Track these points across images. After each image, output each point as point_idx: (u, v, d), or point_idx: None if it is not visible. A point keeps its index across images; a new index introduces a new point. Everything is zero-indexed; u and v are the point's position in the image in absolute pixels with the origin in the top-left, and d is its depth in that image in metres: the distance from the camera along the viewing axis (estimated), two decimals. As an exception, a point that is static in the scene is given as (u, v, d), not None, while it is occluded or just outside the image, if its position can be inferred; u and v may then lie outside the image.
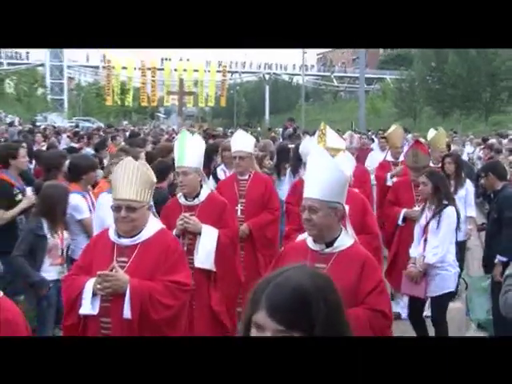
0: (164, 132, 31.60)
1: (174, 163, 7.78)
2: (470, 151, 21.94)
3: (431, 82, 60.34)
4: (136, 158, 7.59)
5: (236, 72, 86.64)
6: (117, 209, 4.34)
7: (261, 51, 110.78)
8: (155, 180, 4.57)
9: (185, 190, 5.92)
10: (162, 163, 7.84)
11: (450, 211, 6.90)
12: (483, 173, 8.49)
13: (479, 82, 55.00)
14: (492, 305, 7.30)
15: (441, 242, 6.85)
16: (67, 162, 7.36)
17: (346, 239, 3.99)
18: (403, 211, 8.12)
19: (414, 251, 7.12)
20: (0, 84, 73.37)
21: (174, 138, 19.99)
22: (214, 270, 5.85)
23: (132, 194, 4.30)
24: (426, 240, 6.99)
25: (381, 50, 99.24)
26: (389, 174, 10.51)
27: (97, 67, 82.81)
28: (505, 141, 20.24)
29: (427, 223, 7.00)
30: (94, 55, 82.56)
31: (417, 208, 7.84)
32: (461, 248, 7.82)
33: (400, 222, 8.10)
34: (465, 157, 16.93)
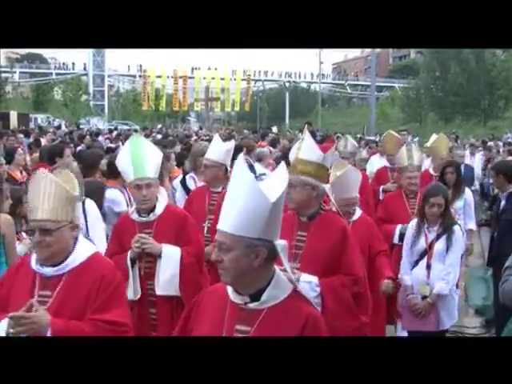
0: (193, 133, 31.66)
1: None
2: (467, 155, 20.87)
3: (435, 90, 59.81)
4: (168, 158, 7.64)
5: (259, 80, 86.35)
6: (32, 232, 3.27)
7: (282, 61, 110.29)
8: (76, 194, 3.41)
9: (147, 205, 4.67)
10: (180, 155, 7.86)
11: (458, 230, 5.59)
12: (495, 172, 7.58)
13: (478, 91, 54.63)
14: (494, 295, 6.97)
15: (453, 268, 5.51)
16: (103, 161, 7.40)
17: (279, 290, 2.59)
18: (398, 227, 6.46)
19: (407, 277, 5.61)
20: (49, 92, 74.13)
21: (201, 138, 20.02)
22: (179, 295, 4.67)
23: (45, 213, 3.17)
24: (428, 265, 5.51)
25: (390, 61, 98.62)
26: (381, 188, 8.87)
27: (134, 76, 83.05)
28: (500, 143, 20.79)
29: (429, 245, 5.54)
30: (132, 65, 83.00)
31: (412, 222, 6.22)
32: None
33: (396, 240, 6.42)
34: (467, 161, 15.35)
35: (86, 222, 5.30)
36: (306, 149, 4.19)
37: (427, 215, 5.59)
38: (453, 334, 6.29)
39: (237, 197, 2.48)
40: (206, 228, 5.90)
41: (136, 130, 29.01)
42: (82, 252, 3.35)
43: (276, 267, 2.60)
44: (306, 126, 23.06)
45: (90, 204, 5.48)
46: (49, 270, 3.27)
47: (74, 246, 3.33)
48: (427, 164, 9.54)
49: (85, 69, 79.91)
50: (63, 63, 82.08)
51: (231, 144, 6.35)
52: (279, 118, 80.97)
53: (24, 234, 5.76)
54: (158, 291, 4.62)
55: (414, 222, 5.77)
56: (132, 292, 4.59)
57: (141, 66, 79.74)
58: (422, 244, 5.62)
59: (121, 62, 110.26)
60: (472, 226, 7.74)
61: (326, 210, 4.25)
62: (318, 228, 4.13)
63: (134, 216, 4.78)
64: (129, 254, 4.64)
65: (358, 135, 30.46)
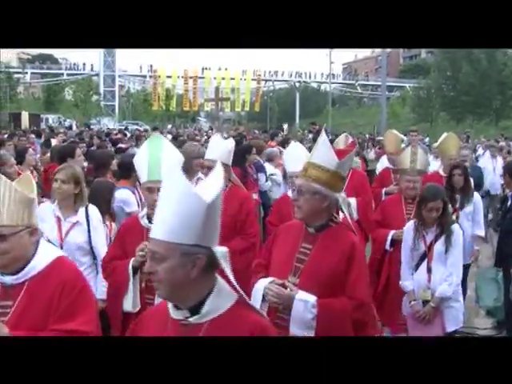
0: (203, 132, 31.71)
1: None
2: (481, 153, 19.53)
3: (446, 90, 59.68)
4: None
5: (269, 80, 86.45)
6: None
7: (292, 61, 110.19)
8: (33, 196, 3.13)
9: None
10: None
11: (457, 229, 5.37)
12: (504, 172, 7.65)
13: (490, 90, 54.39)
14: (505, 296, 6.90)
15: (454, 268, 5.25)
16: (114, 161, 7.43)
17: (221, 300, 2.31)
18: (391, 233, 6.02)
19: (409, 283, 5.37)
20: (61, 92, 74.58)
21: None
22: None
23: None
24: (429, 269, 5.28)
25: (401, 60, 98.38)
26: (384, 190, 8.29)
27: (144, 76, 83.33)
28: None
29: (429, 247, 5.30)
30: (143, 65, 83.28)
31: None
32: (465, 272, 6.30)
33: (388, 246, 6.01)
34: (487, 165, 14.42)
35: (89, 227, 5.19)
36: (319, 152, 3.71)
37: (425, 219, 5.30)
38: (463, 336, 6.22)
39: (169, 201, 2.22)
40: None
41: (146, 130, 29.04)
42: (43, 257, 3.07)
43: (218, 276, 2.29)
44: (312, 125, 22.93)
45: (93, 209, 5.31)
46: (9, 279, 3.02)
47: (34, 252, 3.06)
48: (437, 165, 9.09)
49: (92, 69, 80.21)
50: (74, 64, 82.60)
51: (232, 143, 6.15)
52: (289, 118, 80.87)
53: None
54: None
55: (410, 226, 5.44)
56: (130, 304, 4.16)
57: (151, 66, 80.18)
58: (421, 247, 5.35)
59: (131, 62, 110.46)
60: (480, 232, 7.31)
61: (337, 223, 3.75)
62: (325, 242, 3.66)
63: (144, 221, 4.31)
64: (131, 261, 4.18)
65: (367, 135, 30.40)
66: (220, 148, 5.78)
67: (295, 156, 6.00)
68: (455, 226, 5.36)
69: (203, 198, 2.18)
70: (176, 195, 2.20)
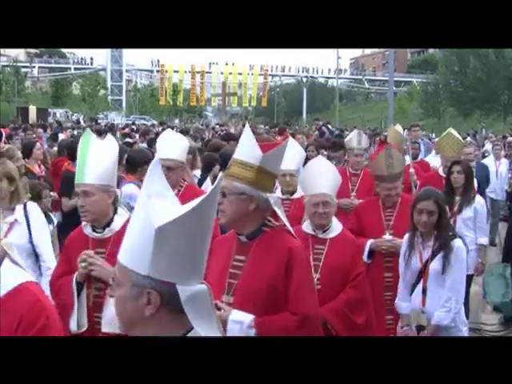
0: (210, 128, 31.69)
1: (219, 157, 7.79)
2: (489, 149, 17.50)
3: (454, 85, 59.39)
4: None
5: (276, 75, 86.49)
6: None
7: (299, 56, 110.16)
8: None
9: (87, 218, 3.72)
10: (207, 156, 7.88)
11: (459, 246, 4.48)
12: None
13: (498, 85, 54.07)
14: None
15: (454, 293, 4.43)
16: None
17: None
18: (369, 243, 5.24)
19: (405, 305, 4.64)
20: (68, 86, 74.77)
21: (218, 133, 20.07)
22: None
23: None
24: (424, 290, 4.52)
25: (408, 55, 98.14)
26: None
27: (152, 71, 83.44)
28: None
29: (425, 264, 4.52)
30: (150, 60, 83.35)
31: (387, 236, 5.25)
32: (466, 284, 5.19)
33: (365, 257, 5.15)
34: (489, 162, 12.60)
35: (29, 226, 4.66)
36: (242, 147, 3.25)
37: (417, 225, 4.52)
38: (471, 331, 6.18)
39: (133, 216, 1.91)
40: None
41: (153, 125, 29.11)
42: (2, 285, 2.42)
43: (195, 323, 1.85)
44: (316, 121, 22.85)
45: (32, 206, 4.81)
46: None
47: None
48: (437, 162, 8.54)
49: (103, 64, 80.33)
50: (81, 58, 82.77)
51: (186, 139, 5.62)
52: (296, 113, 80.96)
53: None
54: (103, 327, 3.57)
55: (406, 238, 4.69)
56: (75, 324, 3.64)
57: (158, 60, 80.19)
58: (416, 264, 4.57)
59: (139, 57, 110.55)
60: (483, 240, 6.58)
61: (272, 227, 3.22)
62: (260, 250, 3.16)
63: (87, 230, 3.79)
64: (75, 276, 3.68)
65: (372, 129, 30.27)
66: (175, 145, 5.27)
67: (288, 153, 5.30)
68: (456, 242, 4.46)
69: (152, 221, 1.78)
70: (135, 212, 1.89)
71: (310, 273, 3.49)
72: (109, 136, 4.24)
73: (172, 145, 5.23)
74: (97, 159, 3.71)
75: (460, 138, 8.07)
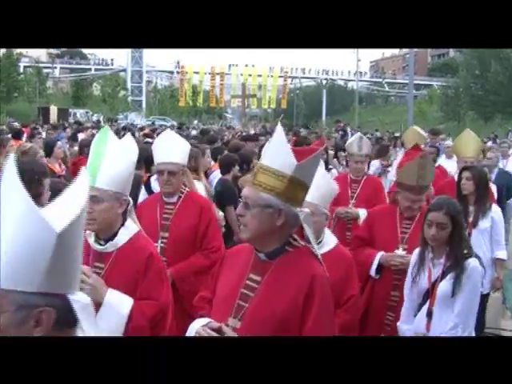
0: (231, 129, 31.74)
1: (238, 158, 7.79)
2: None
3: (475, 89, 59.07)
4: (203, 153, 7.68)
5: (296, 77, 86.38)
6: None
7: (319, 58, 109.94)
8: None
9: (92, 227, 3.35)
10: (226, 157, 7.89)
11: (474, 266, 3.92)
12: None
13: (520, 89, 53.77)
14: None
15: (462, 319, 3.87)
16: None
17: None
18: (378, 255, 4.75)
19: (406, 328, 4.15)
20: (88, 87, 75.40)
21: (238, 135, 20.11)
22: None
23: None
24: (430, 313, 3.98)
25: (429, 59, 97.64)
26: None
27: (172, 72, 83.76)
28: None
29: (433, 284, 4.00)
30: (170, 61, 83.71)
31: (400, 251, 4.70)
32: (481, 304, 4.74)
33: (373, 272, 4.75)
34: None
35: None
36: (272, 152, 2.77)
37: (427, 239, 4.02)
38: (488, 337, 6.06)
39: (4, 226, 1.56)
40: (159, 248, 4.54)
41: (173, 126, 29.20)
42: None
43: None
44: (337, 123, 22.74)
45: None
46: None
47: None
48: (451, 166, 8.20)
49: (123, 65, 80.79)
50: (102, 59, 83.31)
51: (185, 142, 5.18)
52: (316, 115, 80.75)
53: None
54: None
55: (416, 252, 4.20)
56: None
57: (178, 62, 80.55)
58: (424, 282, 4.06)
59: (159, 58, 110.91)
60: (501, 253, 5.96)
61: (297, 248, 2.81)
62: (279, 273, 2.74)
63: (91, 240, 3.46)
64: None
65: (391, 132, 30.08)
66: (176, 147, 4.87)
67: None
68: (470, 262, 3.92)
69: (49, 227, 1.55)
70: (15, 221, 1.56)
71: (333, 307, 2.90)
72: (128, 135, 3.86)
73: (174, 148, 4.82)
74: (113, 162, 3.33)
75: (478, 138, 7.62)
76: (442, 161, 10.31)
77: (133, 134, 16.32)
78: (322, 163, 4.09)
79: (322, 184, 3.90)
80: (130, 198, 3.53)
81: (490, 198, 6.17)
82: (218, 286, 2.92)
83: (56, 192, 5.83)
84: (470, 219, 5.76)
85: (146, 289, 3.36)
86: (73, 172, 8.93)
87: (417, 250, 4.19)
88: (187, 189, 4.99)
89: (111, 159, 3.33)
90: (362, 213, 6.13)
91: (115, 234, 3.40)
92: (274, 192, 2.67)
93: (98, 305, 3.17)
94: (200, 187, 6.75)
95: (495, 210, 5.97)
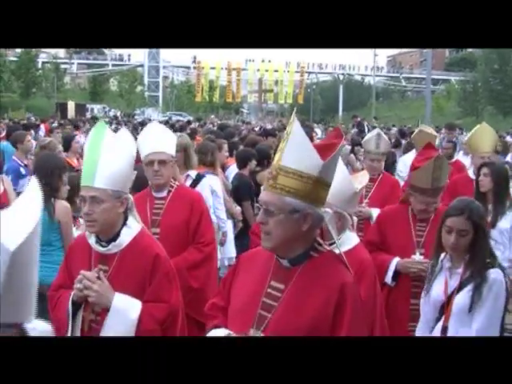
0: (248, 124, 31.73)
1: (255, 153, 7.81)
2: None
3: (493, 83, 58.58)
4: (220, 147, 7.71)
5: (313, 72, 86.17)
6: None
7: (336, 54, 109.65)
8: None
9: (93, 228, 3.22)
10: (243, 151, 7.91)
11: (497, 277, 3.45)
12: None
13: (539, 84, 53.26)
14: None
15: (481, 334, 3.40)
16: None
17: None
18: (394, 262, 4.42)
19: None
20: (106, 83, 75.81)
21: (254, 130, 20.11)
22: None
23: None
24: (444, 329, 3.55)
25: (446, 53, 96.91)
26: None
27: (188, 67, 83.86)
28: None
29: (449, 296, 3.56)
30: (187, 56, 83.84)
31: (418, 256, 4.41)
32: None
33: (389, 279, 4.41)
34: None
35: None
36: (294, 151, 2.47)
37: (445, 247, 3.60)
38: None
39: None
40: None
41: (189, 121, 29.26)
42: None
43: None
44: (354, 118, 22.55)
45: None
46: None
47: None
48: (467, 163, 7.78)
49: (140, 61, 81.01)
50: (119, 55, 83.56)
51: (171, 133, 5.06)
52: (332, 110, 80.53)
53: (81, 220, 5.88)
54: None
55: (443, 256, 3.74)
56: None
57: (195, 57, 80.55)
58: (439, 294, 3.63)
59: (175, 53, 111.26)
60: None
61: (322, 253, 2.60)
62: (304, 280, 2.52)
63: (92, 241, 3.33)
64: (72, 295, 3.24)
65: (409, 127, 29.87)
66: (165, 138, 4.74)
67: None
68: (493, 273, 3.46)
69: (5, 244, 1.34)
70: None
71: (365, 317, 2.74)
72: (123, 130, 3.73)
73: (162, 138, 4.67)
74: (110, 159, 3.15)
75: (494, 132, 7.27)
76: (460, 157, 9.94)
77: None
78: (340, 161, 3.99)
79: (339, 182, 3.57)
80: (131, 196, 3.37)
81: (508, 196, 5.72)
82: (234, 294, 2.68)
83: (73, 185, 5.82)
84: (489, 219, 5.17)
85: (155, 291, 3.24)
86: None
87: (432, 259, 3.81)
88: (176, 182, 4.81)
89: (108, 156, 3.14)
90: (376, 212, 5.76)
91: (118, 234, 3.26)
92: (298, 195, 2.45)
93: (106, 310, 3.15)
94: (217, 181, 6.79)
95: None
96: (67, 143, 8.81)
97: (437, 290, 3.64)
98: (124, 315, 3.14)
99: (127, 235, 3.28)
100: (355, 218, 4.30)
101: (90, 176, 3.14)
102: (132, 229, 3.31)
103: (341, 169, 3.68)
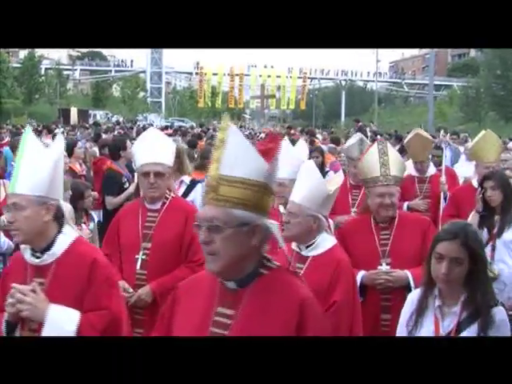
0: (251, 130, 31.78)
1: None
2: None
3: (496, 89, 58.54)
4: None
5: (315, 78, 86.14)
6: None
7: (338, 59, 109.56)
8: None
9: (19, 237, 3.08)
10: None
11: (502, 317, 2.91)
12: None
13: (542, 89, 53.26)
14: None
15: None
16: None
17: None
18: (360, 275, 4.11)
19: None
20: (108, 88, 75.91)
21: (257, 135, 20.10)
22: None
23: None
24: None
25: (449, 59, 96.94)
26: (405, 204, 6.61)
27: (190, 73, 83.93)
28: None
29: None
30: (189, 62, 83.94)
31: (384, 266, 4.14)
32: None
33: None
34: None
35: None
36: (234, 157, 2.25)
37: (435, 278, 2.99)
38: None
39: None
40: (139, 261, 4.24)
41: (192, 127, 29.30)
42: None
43: None
44: (356, 123, 22.47)
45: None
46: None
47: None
48: (466, 172, 7.47)
49: (143, 67, 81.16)
50: (122, 61, 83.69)
51: (169, 140, 4.82)
52: (335, 116, 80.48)
53: (83, 226, 5.91)
54: None
55: (415, 295, 3.19)
56: None
57: (198, 63, 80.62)
58: (425, 327, 3.04)
59: (178, 59, 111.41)
60: None
61: (271, 268, 2.34)
62: (255, 302, 2.27)
63: (27, 255, 3.13)
64: (4, 316, 3.04)
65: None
66: (163, 146, 4.46)
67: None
68: (497, 312, 2.91)
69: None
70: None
71: (329, 328, 2.50)
72: (59, 136, 3.65)
73: (159, 147, 4.38)
74: (32, 164, 3.01)
75: (498, 139, 6.96)
76: (462, 162, 9.62)
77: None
78: (314, 165, 3.98)
79: (313, 185, 3.72)
80: (66, 203, 3.23)
81: None
82: (178, 328, 2.39)
83: (77, 192, 5.84)
84: (495, 230, 5.12)
85: (93, 298, 3.02)
86: (95, 172, 9.04)
87: (416, 294, 3.18)
88: (172, 194, 4.51)
89: (28, 161, 3.01)
90: None
91: (52, 243, 3.08)
92: (246, 206, 2.22)
93: (42, 325, 2.94)
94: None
95: None
96: (69, 149, 8.82)
97: (426, 332, 3.00)
98: (61, 327, 2.92)
99: (62, 243, 3.10)
100: (331, 221, 4.19)
101: (13, 183, 3.05)
102: (68, 236, 3.14)
103: (313, 171, 3.85)
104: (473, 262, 2.89)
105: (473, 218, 5.20)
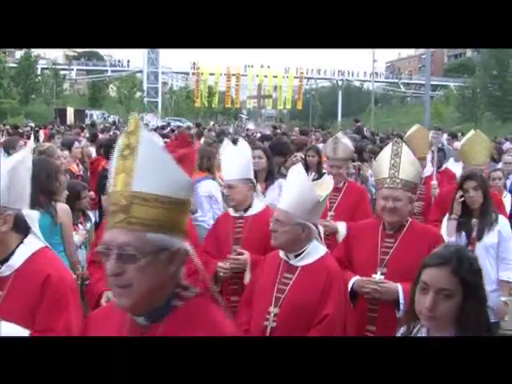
0: (246, 130, 31.76)
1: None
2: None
3: (492, 89, 58.68)
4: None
5: (312, 78, 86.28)
6: None
7: (335, 59, 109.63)
8: None
9: None
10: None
11: None
12: None
13: (538, 89, 53.38)
14: None
15: None
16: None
17: None
18: (352, 280, 3.90)
19: None
20: (105, 89, 75.82)
21: (254, 135, 20.12)
22: None
23: None
24: None
25: (445, 59, 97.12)
26: None
27: (187, 73, 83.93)
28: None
29: None
30: (186, 62, 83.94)
31: (378, 276, 3.86)
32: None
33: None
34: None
35: None
36: (148, 169, 1.89)
37: (418, 314, 2.45)
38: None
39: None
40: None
41: (189, 127, 29.28)
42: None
43: None
44: (354, 122, 22.52)
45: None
46: None
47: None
48: (458, 173, 7.06)
49: (139, 67, 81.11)
50: (118, 61, 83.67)
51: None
52: (332, 116, 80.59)
53: (80, 226, 5.91)
54: None
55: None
56: None
57: (194, 63, 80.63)
58: None
59: (175, 59, 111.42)
60: (507, 275, 4.98)
61: (186, 298, 2.02)
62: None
63: None
64: None
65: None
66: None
67: (232, 159, 4.73)
68: None
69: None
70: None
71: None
72: (30, 142, 3.25)
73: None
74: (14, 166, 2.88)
75: (488, 140, 6.81)
76: (450, 164, 9.21)
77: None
78: (301, 168, 3.82)
79: (301, 191, 3.59)
80: (30, 211, 3.02)
81: (501, 209, 5.48)
82: None
83: (74, 193, 5.84)
84: (474, 233, 4.99)
85: (43, 318, 2.81)
86: (91, 172, 9.03)
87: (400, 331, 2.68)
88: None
89: None
90: (342, 227, 5.33)
91: (10, 255, 2.91)
92: (163, 228, 1.91)
93: None
94: (215, 187, 6.77)
95: (503, 222, 5.09)
96: (66, 149, 8.82)
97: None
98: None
99: (22, 254, 2.92)
100: (321, 228, 3.98)
101: None
102: (28, 247, 2.95)
103: (301, 177, 3.68)
104: (466, 296, 2.32)
105: (450, 224, 5.02)
